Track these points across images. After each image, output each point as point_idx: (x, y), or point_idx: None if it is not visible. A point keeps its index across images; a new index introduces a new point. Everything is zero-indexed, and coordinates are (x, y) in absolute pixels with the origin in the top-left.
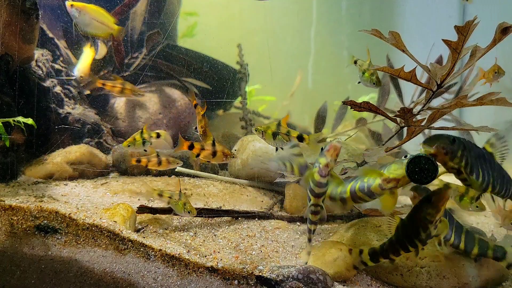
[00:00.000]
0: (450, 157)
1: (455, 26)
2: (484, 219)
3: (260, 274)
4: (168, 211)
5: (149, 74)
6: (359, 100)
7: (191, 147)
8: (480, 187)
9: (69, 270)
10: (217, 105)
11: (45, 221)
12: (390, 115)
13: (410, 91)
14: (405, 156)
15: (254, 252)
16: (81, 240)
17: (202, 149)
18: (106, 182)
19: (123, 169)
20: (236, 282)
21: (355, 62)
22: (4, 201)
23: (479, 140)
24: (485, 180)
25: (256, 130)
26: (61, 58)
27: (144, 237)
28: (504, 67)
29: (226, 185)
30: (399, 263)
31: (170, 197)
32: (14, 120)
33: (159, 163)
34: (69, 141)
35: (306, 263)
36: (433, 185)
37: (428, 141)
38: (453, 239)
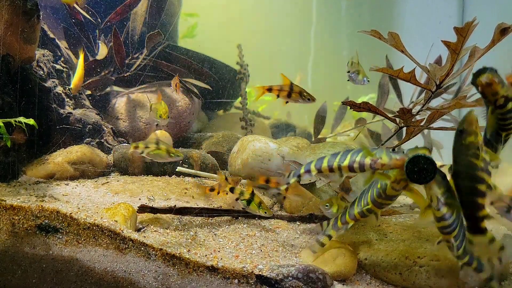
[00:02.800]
0: (501, 84)
1: (455, 28)
2: None
3: (260, 273)
4: (168, 210)
5: (149, 75)
6: (359, 101)
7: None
8: None
9: (70, 269)
10: (217, 105)
11: (46, 221)
12: (390, 115)
13: (410, 91)
14: (393, 150)
15: (254, 251)
16: (82, 239)
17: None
18: (107, 182)
19: (124, 169)
20: (236, 281)
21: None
22: (5, 200)
23: None
24: None
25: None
26: (62, 59)
27: (144, 237)
28: (504, 67)
29: None
30: (398, 262)
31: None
32: (15, 120)
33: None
34: (70, 141)
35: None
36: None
37: (484, 72)
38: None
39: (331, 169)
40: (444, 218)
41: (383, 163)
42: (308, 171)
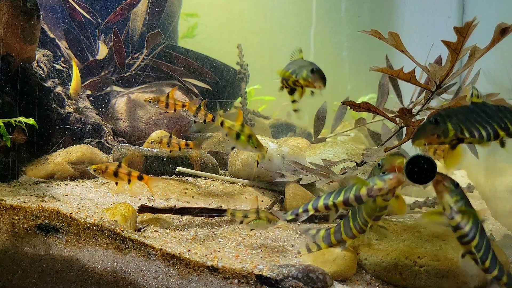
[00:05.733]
0: (444, 136)
1: (455, 27)
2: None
3: (260, 273)
4: (168, 210)
5: (149, 75)
6: (359, 101)
7: None
8: (487, 140)
9: (70, 269)
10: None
11: (46, 221)
12: (390, 115)
13: (410, 91)
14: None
15: (254, 251)
16: (82, 239)
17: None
18: (107, 182)
19: None
20: (236, 281)
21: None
22: (5, 200)
23: None
24: (488, 132)
25: None
26: (62, 59)
27: (144, 237)
28: (503, 67)
29: (226, 185)
30: (398, 262)
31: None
32: (15, 120)
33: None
34: (70, 141)
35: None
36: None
37: (416, 138)
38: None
39: (327, 207)
40: (460, 227)
41: (379, 187)
42: (306, 211)
